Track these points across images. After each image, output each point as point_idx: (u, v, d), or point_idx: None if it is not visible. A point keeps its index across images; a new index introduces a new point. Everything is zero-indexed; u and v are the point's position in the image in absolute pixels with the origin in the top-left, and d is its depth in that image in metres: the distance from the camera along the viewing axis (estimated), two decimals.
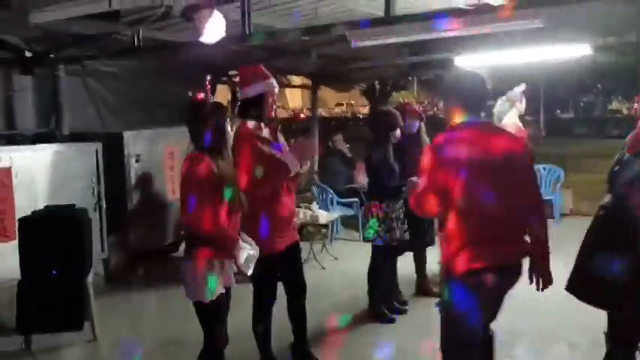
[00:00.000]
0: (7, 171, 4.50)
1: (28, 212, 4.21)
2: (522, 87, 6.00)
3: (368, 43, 4.41)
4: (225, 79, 8.34)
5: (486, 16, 3.95)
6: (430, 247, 5.10)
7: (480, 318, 2.66)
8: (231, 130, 3.31)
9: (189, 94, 7.75)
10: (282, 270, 3.69)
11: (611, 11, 5.26)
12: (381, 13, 4.00)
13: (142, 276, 5.94)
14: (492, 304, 2.74)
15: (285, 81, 9.83)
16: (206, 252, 2.85)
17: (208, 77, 3.12)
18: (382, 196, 4.45)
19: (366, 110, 26.99)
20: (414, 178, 3.07)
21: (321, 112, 35.79)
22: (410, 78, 10.66)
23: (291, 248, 3.66)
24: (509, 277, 2.70)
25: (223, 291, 2.95)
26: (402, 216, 4.53)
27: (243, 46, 6.42)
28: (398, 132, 4.44)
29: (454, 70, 6.23)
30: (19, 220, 4.07)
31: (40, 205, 4.47)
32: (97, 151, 5.32)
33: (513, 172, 2.64)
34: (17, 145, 5.07)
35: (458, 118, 2.72)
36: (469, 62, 6.27)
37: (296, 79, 10.77)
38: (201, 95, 3.00)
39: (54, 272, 4.04)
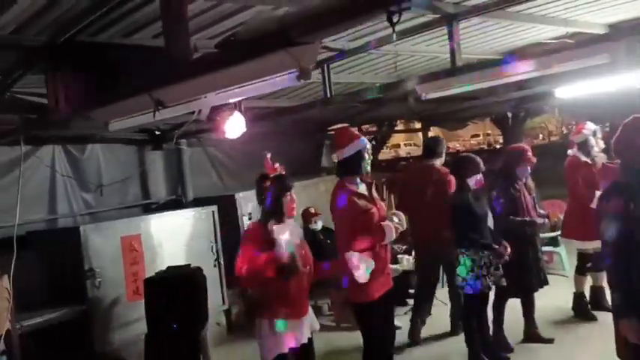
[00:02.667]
0: (137, 237, 5.24)
1: (154, 273, 4.87)
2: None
3: (437, 94, 4.53)
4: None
5: (561, 55, 3.91)
6: (543, 287, 4.94)
7: None
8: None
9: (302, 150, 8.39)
10: (377, 318, 3.85)
11: None
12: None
13: None
14: None
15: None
16: (266, 312, 3.21)
17: (268, 155, 3.47)
18: (469, 243, 4.45)
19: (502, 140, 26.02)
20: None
21: (455, 145, 35.26)
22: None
23: (384, 297, 3.83)
24: None
25: (284, 350, 3.22)
26: (495, 261, 4.48)
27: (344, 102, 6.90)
28: (479, 177, 4.46)
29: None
30: (145, 280, 4.73)
31: (165, 266, 5.14)
32: (213, 213, 5.95)
33: None
34: (148, 214, 5.86)
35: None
36: (569, 93, 6.03)
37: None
38: (269, 169, 3.35)
39: (174, 326, 4.60)
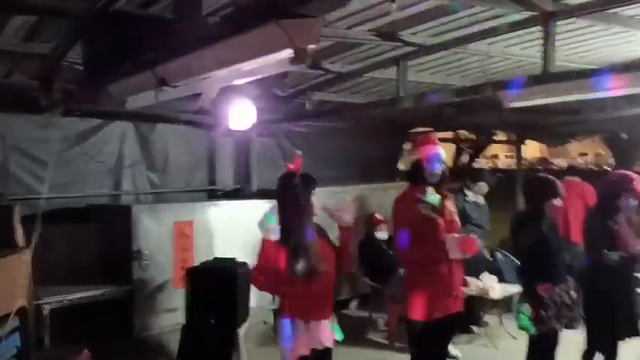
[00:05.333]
0: (191, 223, 5.10)
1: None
2: None
3: (524, 103, 3.97)
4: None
5: None
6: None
7: None
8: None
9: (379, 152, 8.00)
10: (431, 341, 3.58)
11: None
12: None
13: None
14: None
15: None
16: (286, 312, 2.98)
17: (299, 152, 3.14)
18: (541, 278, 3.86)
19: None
20: None
21: (560, 162, 33.11)
22: None
23: (446, 320, 3.55)
24: None
25: (306, 353, 2.96)
26: (569, 300, 3.87)
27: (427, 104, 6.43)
28: (556, 202, 3.85)
29: None
30: (187, 269, 4.57)
31: (215, 256, 4.97)
32: (273, 207, 5.69)
33: None
34: (203, 201, 5.73)
35: None
36: None
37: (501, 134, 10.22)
38: (292, 167, 3.04)
39: (211, 321, 4.41)
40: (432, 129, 8.22)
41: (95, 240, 5.04)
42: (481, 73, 5.35)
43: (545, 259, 3.87)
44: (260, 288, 3.11)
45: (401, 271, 5.58)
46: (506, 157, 33.72)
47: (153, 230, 4.87)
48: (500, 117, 7.09)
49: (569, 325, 3.90)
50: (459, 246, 3.48)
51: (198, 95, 2.66)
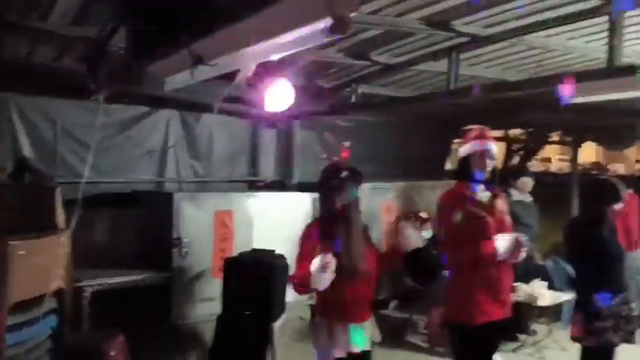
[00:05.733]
0: (230, 213, 5.06)
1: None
2: None
3: (586, 99, 3.71)
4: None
5: None
6: None
7: None
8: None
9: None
10: (474, 347, 3.38)
11: None
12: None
13: None
14: None
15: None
16: (320, 314, 2.90)
17: (347, 144, 3.01)
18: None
19: None
20: None
21: (618, 169, 31.73)
22: None
23: (491, 326, 3.34)
24: None
25: (342, 355, 2.86)
26: (628, 312, 3.60)
27: (482, 100, 6.18)
28: (619, 207, 3.58)
29: None
30: (225, 259, 4.52)
31: (255, 247, 4.92)
32: (314, 201, 5.60)
33: None
34: (245, 192, 5.68)
35: None
36: None
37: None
38: (337, 160, 2.90)
39: (247, 312, 4.35)
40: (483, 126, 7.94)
41: (137, 225, 5.07)
42: (539, 68, 5.08)
43: (604, 267, 3.62)
44: (299, 290, 2.95)
45: (445, 272, 5.43)
46: (559, 160, 32.53)
47: (194, 218, 4.85)
48: (558, 116, 6.78)
49: (627, 339, 3.63)
50: (509, 248, 3.27)
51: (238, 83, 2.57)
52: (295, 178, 6.30)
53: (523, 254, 3.39)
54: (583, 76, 3.66)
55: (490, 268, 3.35)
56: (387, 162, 7.01)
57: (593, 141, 9.02)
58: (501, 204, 3.58)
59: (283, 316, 4.53)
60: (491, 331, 3.38)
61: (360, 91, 5.27)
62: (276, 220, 5.31)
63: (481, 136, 3.46)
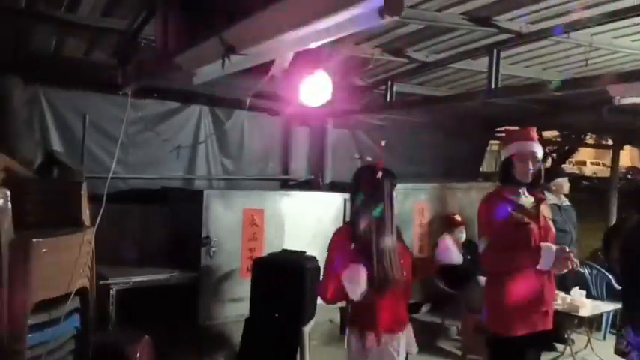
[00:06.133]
0: (261, 212, 4.95)
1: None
2: None
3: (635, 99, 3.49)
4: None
5: None
6: None
7: None
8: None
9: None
10: (513, 358, 3.22)
11: None
12: None
13: None
14: None
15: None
16: (354, 323, 2.74)
17: (383, 143, 2.82)
18: None
19: None
20: None
21: None
22: None
23: (531, 337, 3.18)
24: None
25: None
26: None
27: (520, 100, 5.94)
28: None
29: None
30: (254, 259, 4.41)
31: (285, 247, 4.81)
32: (345, 201, 5.46)
33: None
34: (275, 191, 5.57)
35: None
36: None
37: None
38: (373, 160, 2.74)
39: (276, 315, 4.22)
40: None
41: (166, 223, 5.00)
42: (581, 68, 4.83)
43: None
44: (328, 299, 2.75)
45: (482, 278, 5.22)
46: (592, 164, 31.59)
47: (223, 217, 4.76)
48: (599, 117, 6.49)
49: None
50: (555, 258, 3.08)
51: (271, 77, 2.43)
52: (328, 177, 6.16)
53: (570, 266, 3.19)
54: (631, 76, 3.44)
55: (533, 277, 3.18)
56: (422, 163, 6.84)
57: (632, 144, 8.65)
58: (545, 209, 3.40)
59: (313, 320, 4.39)
60: (531, 342, 3.22)
61: (395, 89, 5.09)
62: (308, 221, 5.19)
63: (527, 137, 3.28)
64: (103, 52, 4.14)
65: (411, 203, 5.91)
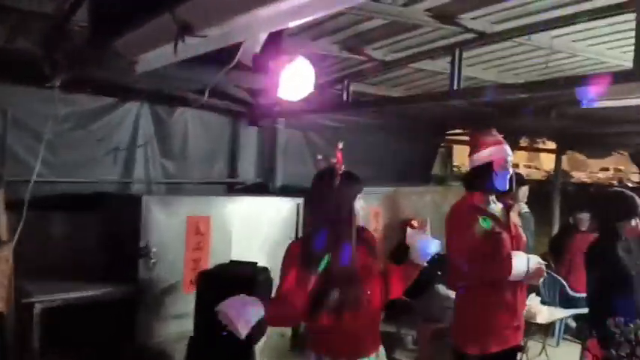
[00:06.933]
0: (206, 219, 4.56)
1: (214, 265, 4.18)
2: None
3: (607, 103, 3.39)
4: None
5: None
6: None
7: None
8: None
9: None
10: None
11: None
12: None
13: None
14: None
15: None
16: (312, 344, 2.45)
17: (340, 144, 2.48)
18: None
19: (637, 178, 23.42)
20: None
21: (581, 176, 32.13)
22: None
23: (505, 355, 3.07)
24: None
25: None
26: None
27: (471, 103, 5.82)
28: (634, 222, 3.23)
29: None
30: (199, 272, 4.03)
31: (231, 258, 4.45)
32: (298, 206, 5.14)
33: None
34: (222, 195, 5.21)
35: None
36: None
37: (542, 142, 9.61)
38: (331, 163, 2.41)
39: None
40: (466, 130, 7.62)
41: (99, 232, 4.54)
42: (539, 71, 4.76)
43: (620, 288, 3.28)
44: (272, 323, 2.52)
45: (440, 287, 5.05)
46: (525, 166, 32.83)
47: (164, 224, 4.33)
48: (546, 122, 6.52)
49: None
50: (528, 269, 2.91)
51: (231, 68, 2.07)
52: (278, 181, 5.83)
53: (542, 276, 3.06)
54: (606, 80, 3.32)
55: (506, 289, 3.03)
56: (376, 165, 6.61)
57: (574, 150, 8.82)
58: (515, 217, 3.27)
59: (264, 337, 4.05)
60: (503, 359, 3.07)
61: (351, 89, 4.85)
62: (257, 228, 4.84)
63: (501, 141, 3.12)
64: (27, 39, 3.65)
65: (366, 208, 5.66)
